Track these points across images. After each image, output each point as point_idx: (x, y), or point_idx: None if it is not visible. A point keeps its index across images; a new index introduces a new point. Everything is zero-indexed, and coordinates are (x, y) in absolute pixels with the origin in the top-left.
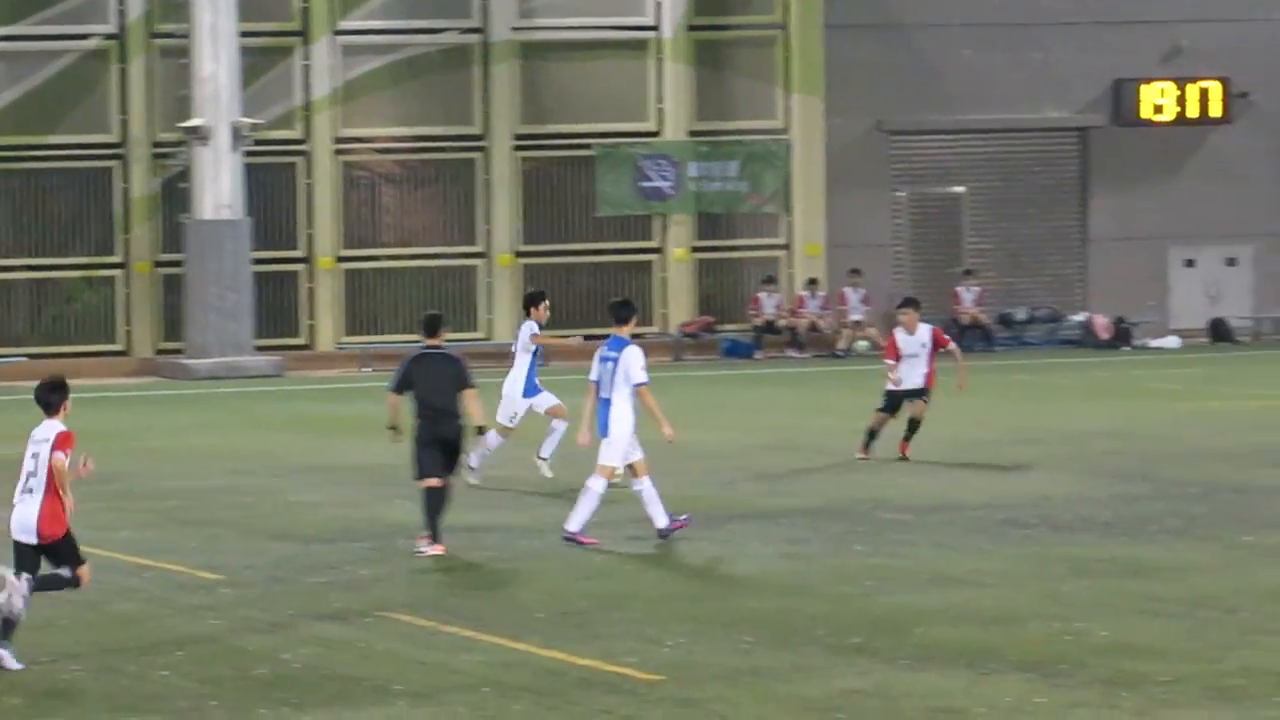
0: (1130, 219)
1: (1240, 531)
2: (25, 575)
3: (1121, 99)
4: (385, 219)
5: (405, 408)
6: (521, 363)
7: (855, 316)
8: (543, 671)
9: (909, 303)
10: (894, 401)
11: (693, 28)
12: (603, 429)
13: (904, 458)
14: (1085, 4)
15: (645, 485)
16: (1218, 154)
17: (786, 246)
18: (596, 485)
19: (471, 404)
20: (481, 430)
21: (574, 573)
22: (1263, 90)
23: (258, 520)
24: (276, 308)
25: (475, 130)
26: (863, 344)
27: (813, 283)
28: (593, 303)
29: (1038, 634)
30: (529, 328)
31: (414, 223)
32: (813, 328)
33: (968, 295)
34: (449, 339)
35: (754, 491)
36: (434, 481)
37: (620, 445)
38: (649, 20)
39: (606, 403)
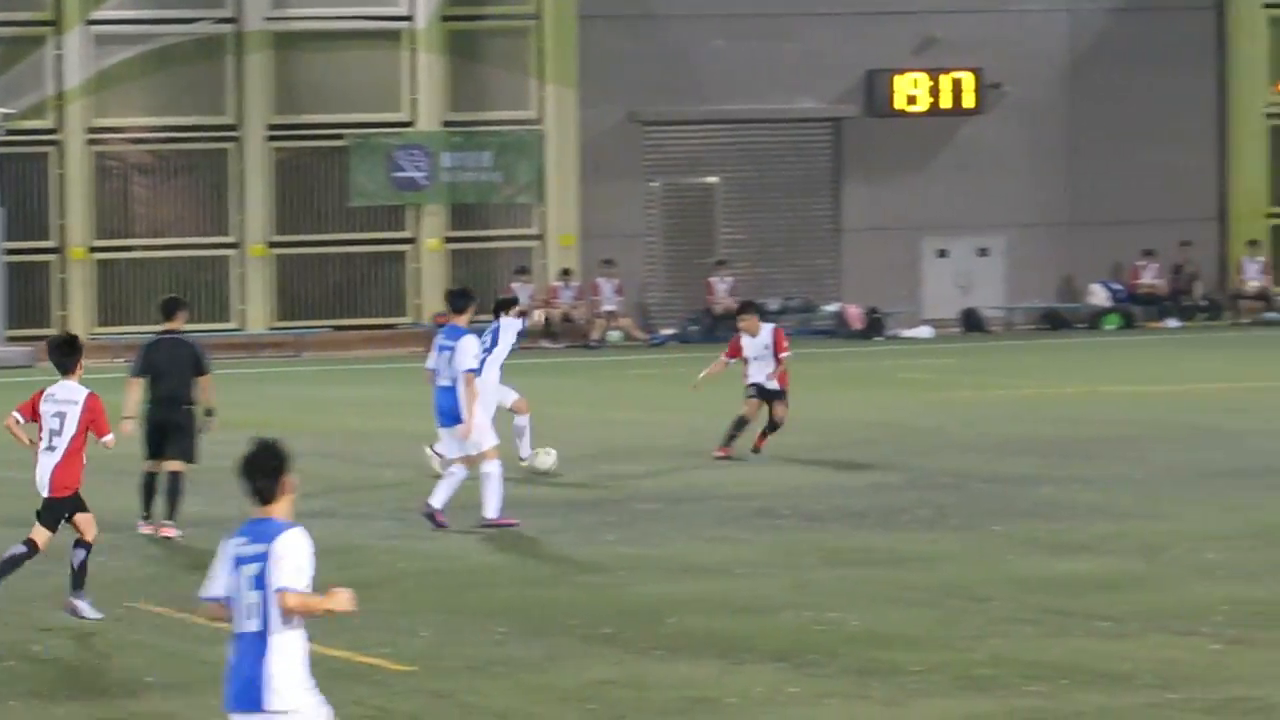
0: (883, 209)
1: (991, 521)
2: None
3: (874, 90)
4: (138, 209)
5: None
6: (499, 358)
7: (609, 307)
8: None
9: (748, 307)
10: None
11: (446, 18)
12: (455, 417)
13: (757, 450)
14: None
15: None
16: (970, 145)
17: (540, 237)
18: (491, 469)
19: (207, 389)
20: (210, 412)
21: (326, 563)
22: (1015, 81)
23: (4, 509)
24: (28, 298)
25: (228, 120)
26: (615, 334)
27: (566, 273)
28: (346, 293)
29: (790, 623)
30: (514, 326)
31: (167, 213)
32: (566, 318)
33: (721, 285)
34: (200, 327)
35: (506, 481)
36: (169, 465)
37: (485, 424)
38: (403, 10)
39: (451, 391)
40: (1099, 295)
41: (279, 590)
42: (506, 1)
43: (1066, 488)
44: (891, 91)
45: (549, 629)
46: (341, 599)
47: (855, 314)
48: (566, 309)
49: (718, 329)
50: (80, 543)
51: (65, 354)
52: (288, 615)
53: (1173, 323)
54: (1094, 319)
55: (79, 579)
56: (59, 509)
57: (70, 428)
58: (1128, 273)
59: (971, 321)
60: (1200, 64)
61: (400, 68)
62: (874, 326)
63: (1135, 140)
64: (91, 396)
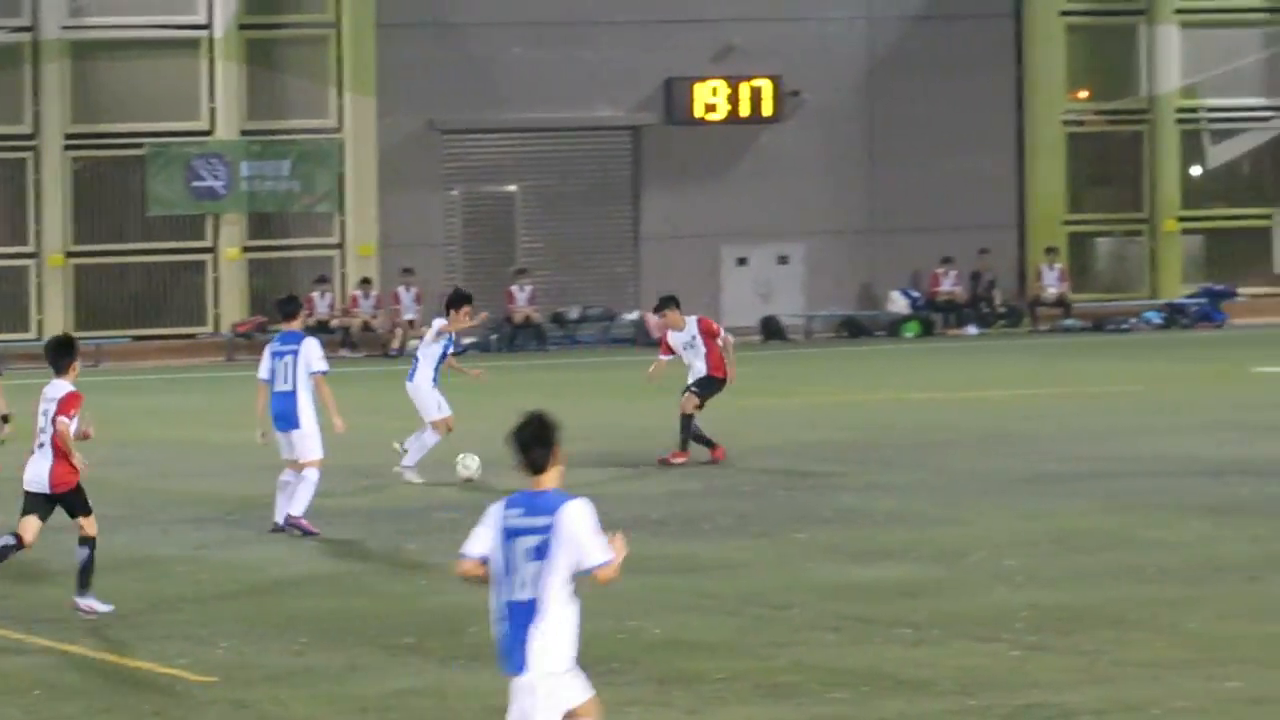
0: (682, 217)
1: (791, 529)
2: None
3: (673, 97)
4: None
5: None
6: (429, 356)
7: (409, 316)
8: (95, 674)
9: (667, 302)
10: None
11: (244, 26)
12: (291, 422)
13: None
14: (637, 3)
15: (311, 475)
16: (769, 153)
17: (339, 246)
18: (312, 475)
19: None
20: (5, 419)
21: (126, 575)
22: (814, 89)
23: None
24: None
25: (25, 129)
26: (416, 343)
27: (365, 282)
28: (145, 302)
29: (591, 632)
30: (439, 324)
31: None
32: (366, 327)
33: (521, 294)
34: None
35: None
36: None
37: (315, 434)
38: (200, 19)
39: (289, 395)
40: (898, 303)
41: (597, 568)
42: (305, 10)
43: (867, 495)
44: (691, 99)
45: (350, 639)
46: (619, 544)
47: (655, 322)
48: (366, 318)
49: (518, 337)
50: (84, 540)
51: (59, 354)
52: (555, 588)
53: (972, 330)
54: (893, 326)
55: (85, 577)
56: (57, 504)
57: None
58: (927, 280)
59: (771, 329)
60: (998, 72)
61: (198, 77)
62: None
63: (934, 148)
64: (71, 394)
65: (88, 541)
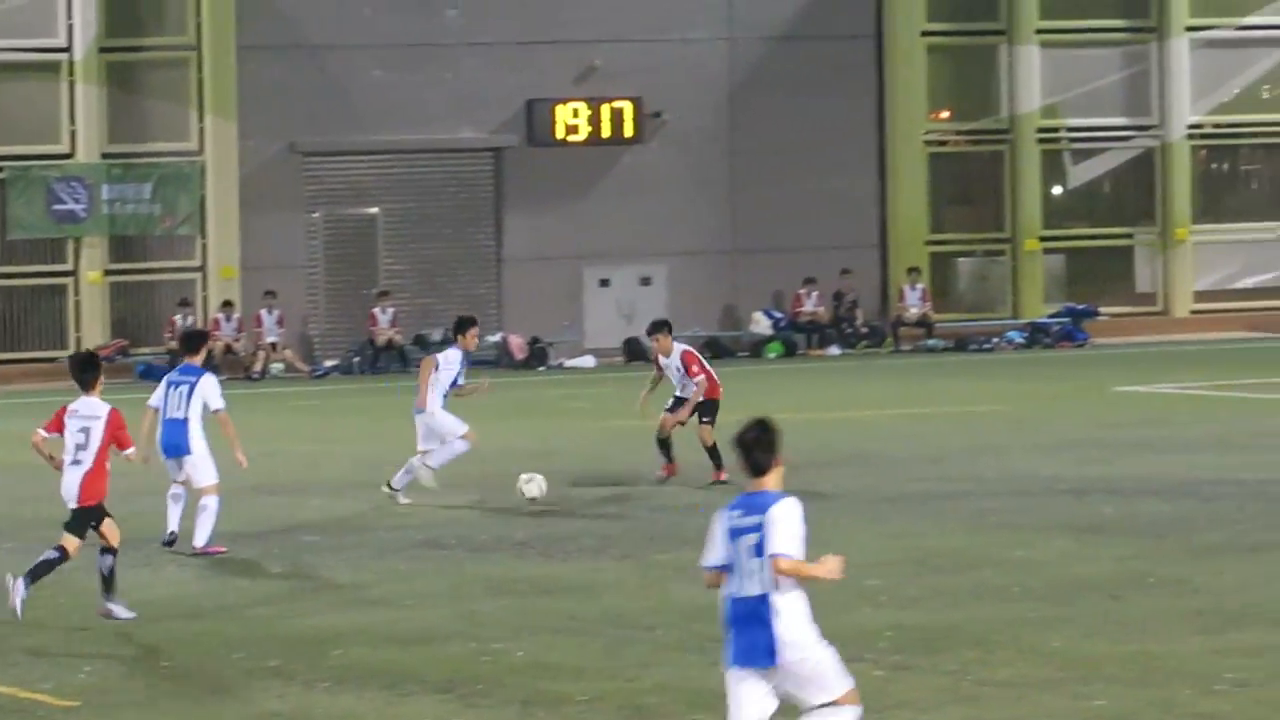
0: (545, 239)
1: (655, 550)
2: (21, 578)
3: (535, 119)
4: None
5: None
6: (437, 385)
7: (271, 339)
8: None
9: (659, 326)
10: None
11: (105, 49)
12: (182, 449)
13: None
14: (497, 24)
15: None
16: (631, 173)
17: (201, 269)
18: (210, 502)
19: None
20: None
21: None
22: (676, 110)
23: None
24: None
25: None
26: (278, 366)
27: (227, 305)
28: (5, 326)
29: (456, 654)
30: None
31: None
32: (228, 350)
33: (383, 316)
34: None
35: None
36: None
37: (208, 460)
38: (60, 42)
39: (180, 423)
40: (761, 323)
41: (774, 555)
42: (165, 33)
43: None
44: (552, 121)
45: (214, 661)
46: (831, 566)
47: (518, 344)
48: (228, 341)
49: (380, 360)
50: (106, 549)
51: (84, 370)
52: (781, 578)
53: (835, 350)
54: (756, 347)
55: (109, 584)
56: (87, 517)
57: (95, 441)
58: (789, 300)
59: (634, 350)
60: (860, 92)
61: (59, 99)
62: (537, 356)
63: (796, 168)
64: (114, 412)
65: (110, 550)
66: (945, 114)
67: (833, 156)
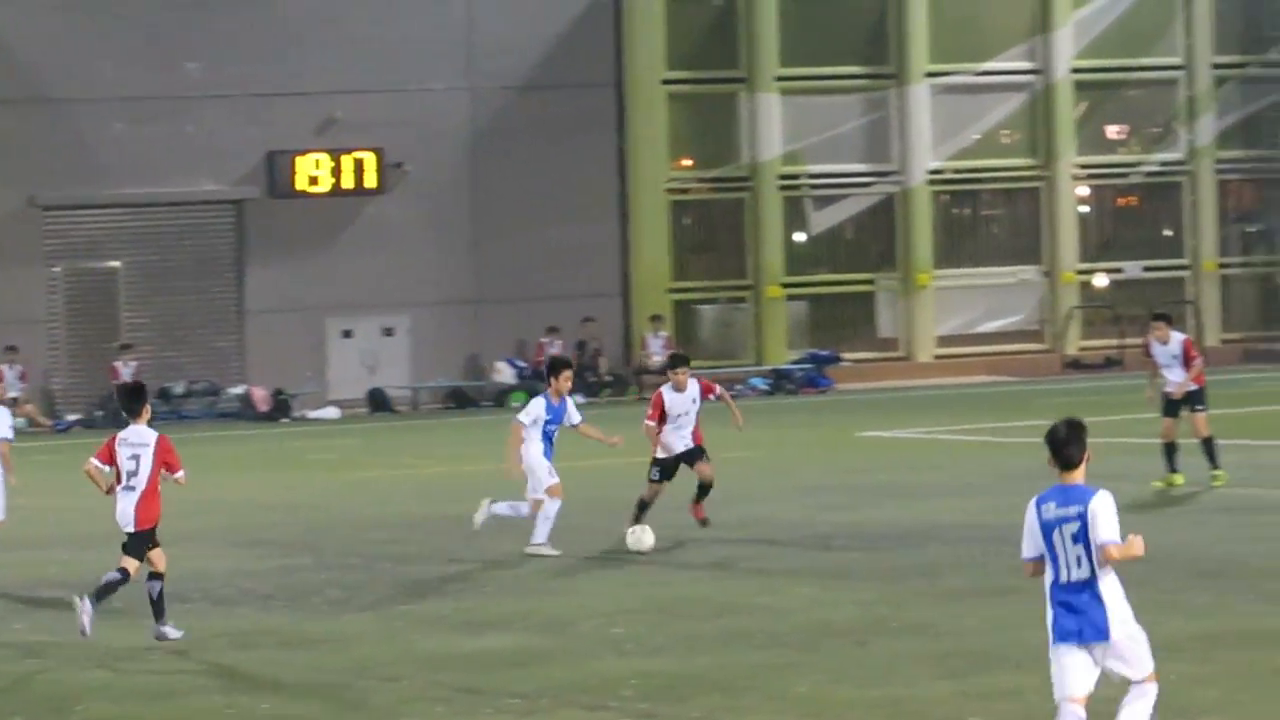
0: (287, 290)
1: (399, 600)
2: (87, 597)
3: (276, 170)
4: None
5: None
6: (534, 432)
7: (12, 394)
8: None
9: (679, 360)
10: (668, 469)
11: None
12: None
13: (703, 522)
14: (238, 77)
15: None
16: (373, 224)
17: None
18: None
19: None
20: None
21: None
22: (417, 161)
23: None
24: None
25: None
26: (20, 420)
27: None
28: None
29: (200, 708)
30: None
31: None
32: None
33: (125, 370)
34: None
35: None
36: None
37: None
38: None
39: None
40: (504, 372)
41: (1104, 544)
42: None
43: (476, 566)
44: (293, 172)
45: None
46: (1141, 543)
47: (261, 396)
48: None
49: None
50: (154, 575)
51: (132, 400)
52: (1109, 564)
53: (578, 399)
54: (500, 396)
55: (159, 608)
56: (144, 540)
57: (146, 467)
58: (532, 349)
59: (378, 401)
60: (601, 141)
61: None
62: (280, 408)
63: (538, 217)
64: (163, 438)
65: (158, 576)
66: (687, 162)
67: (575, 205)
